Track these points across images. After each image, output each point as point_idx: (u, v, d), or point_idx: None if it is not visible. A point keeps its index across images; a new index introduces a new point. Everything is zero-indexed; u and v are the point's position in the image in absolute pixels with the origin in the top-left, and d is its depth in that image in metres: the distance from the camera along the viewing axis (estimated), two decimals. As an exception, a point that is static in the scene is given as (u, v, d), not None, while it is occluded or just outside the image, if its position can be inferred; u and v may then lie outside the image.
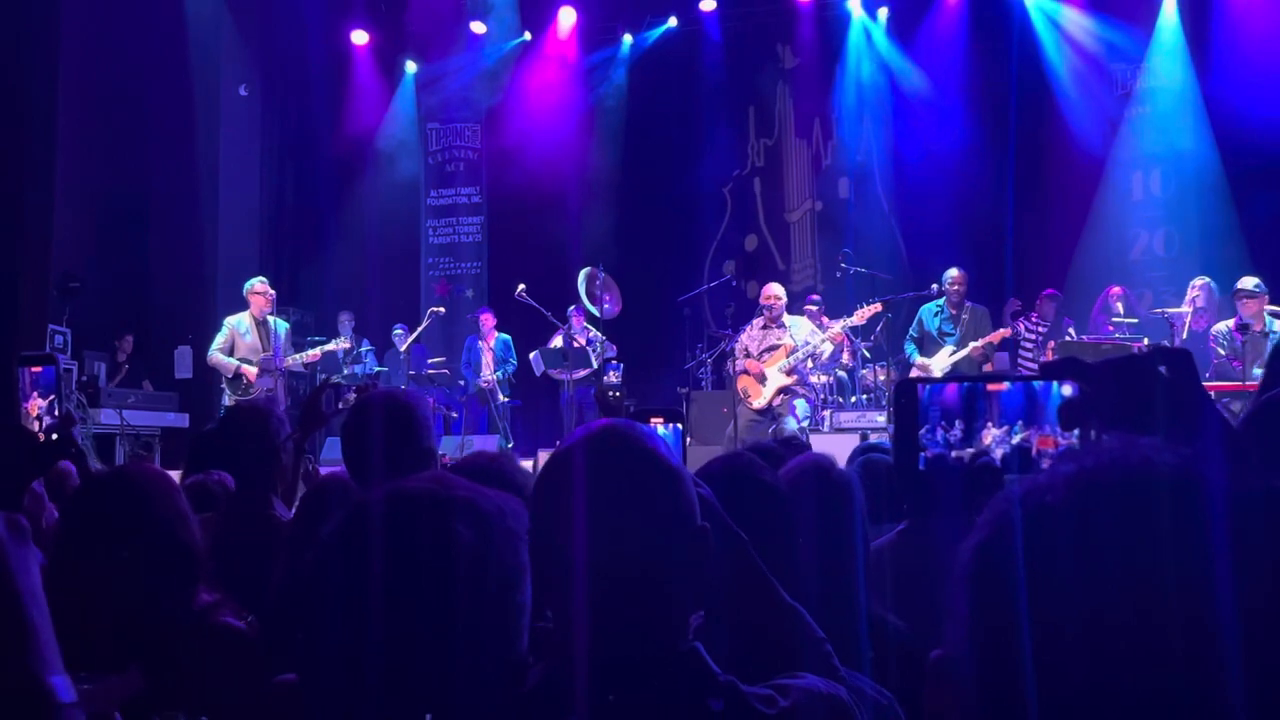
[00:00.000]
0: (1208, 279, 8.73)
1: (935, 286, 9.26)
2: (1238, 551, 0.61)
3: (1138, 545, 0.63)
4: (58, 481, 2.99)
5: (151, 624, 2.13)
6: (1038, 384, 1.39)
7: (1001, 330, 8.99)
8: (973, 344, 8.76)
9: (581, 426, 1.38)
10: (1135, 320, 9.41)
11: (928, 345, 8.98)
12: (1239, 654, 0.60)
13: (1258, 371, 7.54)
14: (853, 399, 10.15)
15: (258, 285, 9.32)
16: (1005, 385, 1.43)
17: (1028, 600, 0.64)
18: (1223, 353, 7.90)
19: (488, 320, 11.45)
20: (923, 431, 1.52)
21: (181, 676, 2.04)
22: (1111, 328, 9.31)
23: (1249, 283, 7.91)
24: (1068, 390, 1.24)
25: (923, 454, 1.53)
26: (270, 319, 9.29)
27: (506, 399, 11.23)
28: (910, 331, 9.21)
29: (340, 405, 10.34)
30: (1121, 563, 0.63)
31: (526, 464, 4.12)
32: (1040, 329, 9.80)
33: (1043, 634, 0.64)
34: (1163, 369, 1.08)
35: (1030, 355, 9.82)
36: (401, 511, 1.20)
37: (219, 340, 9.23)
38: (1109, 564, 0.63)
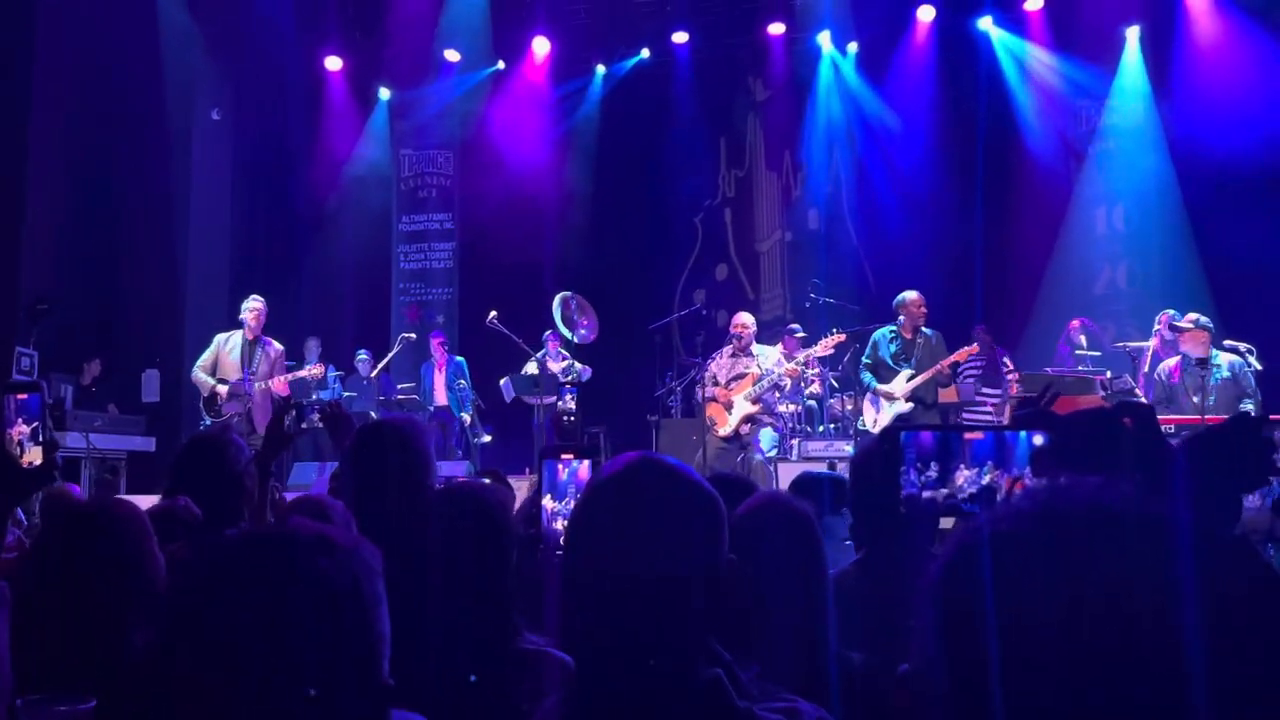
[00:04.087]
0: (1173, 311, 8.87)
1: (901, 318, 9.28)
2: (1168, 577, 0.70)
3: (1074, 568, 0.72)
4: (56, 503, 3.00)
5: (113, 656, 2.16)
6: (1008, 431, 1.49)
7: (968, 348, 8.76)
8: (934, 368, 8.61)
9: (616, 457, 1.42)
10: (1098, 353, 9.55)
11: (882, 372, 8.70)
12: (1188, 664, 0.68)
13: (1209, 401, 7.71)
14: (820, 428, 10.22)
15: (253, 302, 9.09)
16: (980, 435, 1.52)
17: (985, 617, 0.73)
18: (1160, 400, 8.03)
19: (437, 344, 11.45)
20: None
21: (139, 708, 2.07)
22: (1074, 360, 9.45)
23: (1187, 319, 8.04)
24: (1039, 440, 1.32)
25: (900, 493, 1.61)
26: (273, 340, 9.14)
27: (489, 438, 11.27)
28: (864, 358, 8.91)
29: (304, 426, 10.28)
30: (1057, 582, 0.71)
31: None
32: (978, 361, 9.94)
33: (998, 647, 0.72)
34: (1127, 421, 1.16)
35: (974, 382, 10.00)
36: (262, 551, 1.19)
37: (203, 356, 9.08)
38: (1048, 584, 0.72)
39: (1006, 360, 9.82)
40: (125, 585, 2.26)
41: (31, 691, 2.00)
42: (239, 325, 9.11)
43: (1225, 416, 6.49)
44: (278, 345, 9.27)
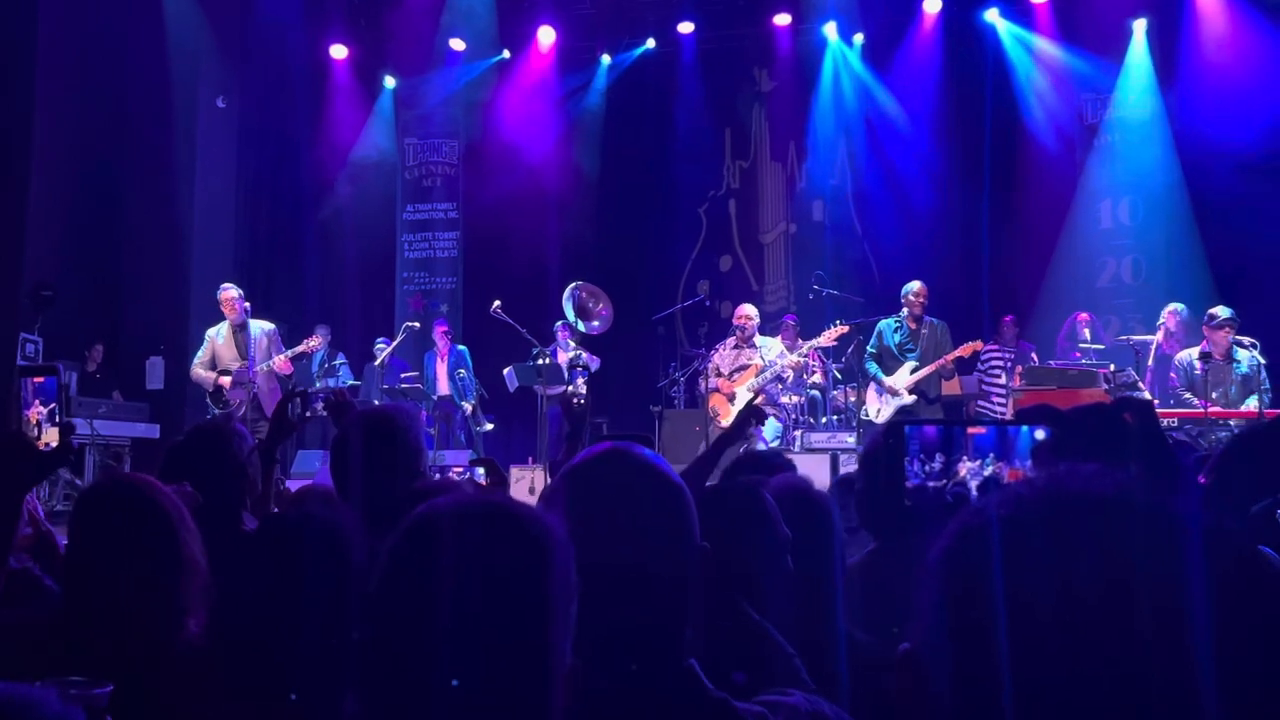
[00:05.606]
0: (1179, 305, 8.85)
1: (905, 309, 9.29)
2: (1166, 564, 0.71)
3: (1074, 552, 0.73)
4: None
5: (154, 639, 2.14)
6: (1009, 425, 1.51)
7: (973, 344, 8.81)
8: (937, 361, 8.62)
9: (589, 447, 1.41)
10: (1102, 346, 9.54)
11: (887, 361, 8.72)
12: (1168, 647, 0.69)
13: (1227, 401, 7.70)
14: (824, 419, 10.22)
15: (221, 293, 9.14)
16: (983, 429, 1.54)
17: (986, 598, 0.75)
18: (1179, 386, 8.05)
19: (441, 333, 11.46)
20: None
21: (175, 693, 2.06)
22: (1079, 354, 9.44)
23: (1221, 312, 8.01)
24: (1040, 434, 1.33)
25: (905, 484, 1.62)
26: (252, 323, 9.11)
27: (490, 427, 11.26)
28: (869, 347, 8.92)
29: (309, 414, 10.23)
30: (1057, 566, 0.73)
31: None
32: (1007, 354, 9.99)
33: (999, 629, 0.74)
34: (1127, 416, 1.17)
35: (999, 380, 9.99)
36: (487, 525, 1.15)
37: (199, 355, 9.11)
38: (1049, 567, 0.73)
39: (1033, 355, 9.86)
40: (173, 567, 2.23)
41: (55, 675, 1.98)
42: (221, 316, 9.16)
43: (1237, 412, 6.44)
44: (266, 325, 9.25)
